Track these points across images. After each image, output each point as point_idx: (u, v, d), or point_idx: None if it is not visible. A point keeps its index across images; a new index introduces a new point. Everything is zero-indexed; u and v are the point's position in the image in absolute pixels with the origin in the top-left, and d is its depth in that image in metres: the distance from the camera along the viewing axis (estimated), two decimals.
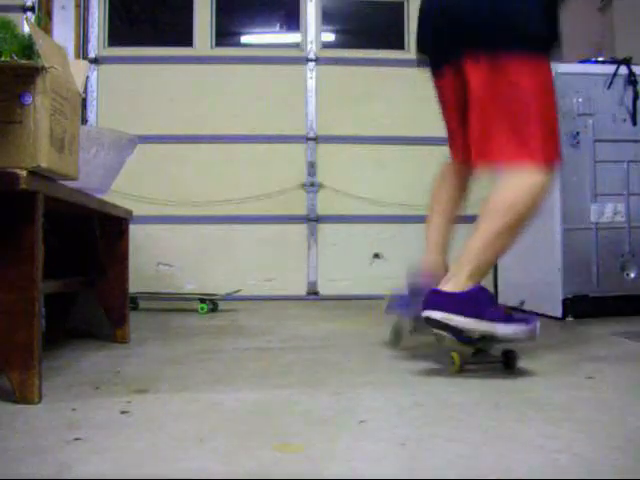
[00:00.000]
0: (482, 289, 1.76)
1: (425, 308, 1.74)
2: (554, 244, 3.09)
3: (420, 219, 4.46)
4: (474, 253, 1.74)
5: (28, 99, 1.40)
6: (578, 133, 3.11)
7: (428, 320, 1.74)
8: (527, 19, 1.79)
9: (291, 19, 4.80)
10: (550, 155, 1.80)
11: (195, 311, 3.44)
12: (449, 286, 1.75)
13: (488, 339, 1.75)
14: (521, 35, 1.79)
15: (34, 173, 1.40)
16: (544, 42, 1.83)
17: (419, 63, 2.13)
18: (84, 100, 4.28)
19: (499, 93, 1.79)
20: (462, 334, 1.72)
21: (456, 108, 2.01)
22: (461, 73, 1.88)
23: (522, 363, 1.89)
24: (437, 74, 2.07)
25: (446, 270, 1.98)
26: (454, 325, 1.71)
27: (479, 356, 1.83)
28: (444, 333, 1.75)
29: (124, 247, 2.36)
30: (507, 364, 1.78)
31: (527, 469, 1.02)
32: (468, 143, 1.91)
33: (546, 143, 1.79)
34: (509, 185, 1.77)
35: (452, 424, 1.27)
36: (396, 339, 2.18)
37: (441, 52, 1.98)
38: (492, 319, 1.70)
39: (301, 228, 4.51)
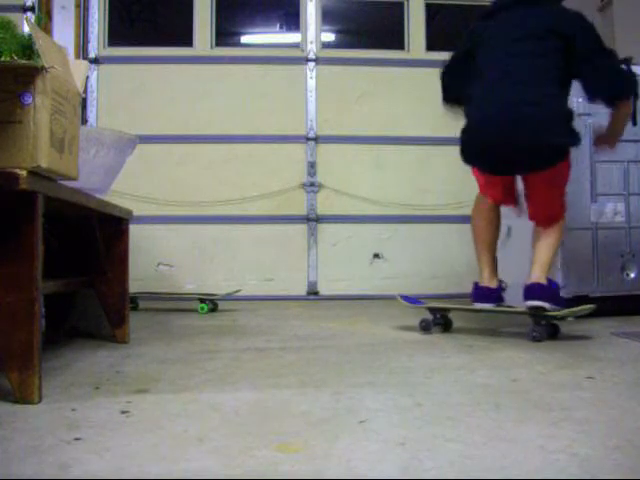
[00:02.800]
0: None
1: (530, 299, 2.42)
2: None
3: (420, 219, 4.54)
4: (546, 262, 2.51)
5: (28, 99, 1.40)
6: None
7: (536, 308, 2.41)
8: (575, 140, 2.52)
9: (291, 19, 4.80)
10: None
11: (195, 311, 3.44)
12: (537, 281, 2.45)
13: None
14: (570, 148, 2.54)
15: (34, 173, 1.40)
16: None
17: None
18: (84, 100, 4.28)
19: (556, 185, 2.56)
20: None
21: (504, 186, 2.65)
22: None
23: (522, 363, 1.89)
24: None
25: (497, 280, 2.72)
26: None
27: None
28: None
29: (124, 247, 2.36)
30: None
31: (527, 469, 1.02)
32: (505, 195, 2.67)
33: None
34: (556, 228, 2.57)
35: (452, 424, 1.27)
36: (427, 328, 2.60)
37: (505, 172, 2.60)
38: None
39: (301, 228, 4.51)
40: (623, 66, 2.53)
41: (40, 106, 1.41)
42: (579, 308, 2.48)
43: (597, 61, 2.44)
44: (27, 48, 1.49)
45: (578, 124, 3.09)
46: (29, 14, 4.14)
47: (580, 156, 3.12)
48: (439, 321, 2.61)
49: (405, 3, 4.68)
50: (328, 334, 2.61)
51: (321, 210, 4.52)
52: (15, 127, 1.40)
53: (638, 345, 2.27)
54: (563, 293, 3.04)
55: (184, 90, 4.50)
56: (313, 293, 4.46)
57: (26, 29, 1.56)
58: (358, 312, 3.49)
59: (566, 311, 2.47)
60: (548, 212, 2.58)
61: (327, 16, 4.77)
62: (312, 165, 4.52)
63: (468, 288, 2.74)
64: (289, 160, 4.52)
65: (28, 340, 1.41)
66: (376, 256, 4.55)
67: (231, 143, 4.50)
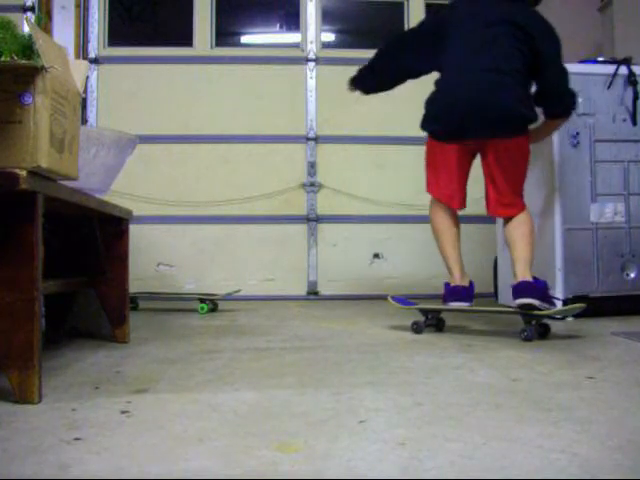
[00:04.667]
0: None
1: (520, 297, 2.39)
2: (554, 244, 3.09)
3: (420, 219, 4.52)
4: (528, 259, 2.51)
5: (28, 99, 1.40)
6: (578, 133, 3.11)
7: (526, 305, 2.38)
8: (535, 116, 2.60)
9: (291, 19, 4.80)
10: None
11: (195, 311, 3.44)
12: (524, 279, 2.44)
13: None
14: (531, 121, 2.58)
15: (34, 173, 1.40)
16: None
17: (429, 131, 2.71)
18: (84, 100, 4.28)
19: (518, 160, 2.58)
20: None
21: (459, 170, 2.65)
22: (480, 147, 2.60)
23: (522, 363, 1.89)
24: (449, 144, 2.62)
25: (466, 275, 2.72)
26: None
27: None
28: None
29: (124, 247, 2.36)
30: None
31: (527, 469, 1.02)
32: (462, 195, 2.70)
33: None
34: (525, 220, 2.58)
35: (452, 424, 1.27)
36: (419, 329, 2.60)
37: (470, 133, 2.55)
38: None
39: (301, 228, 4.51)
40: (569, 85, 2.64)
41: (40, 106, 1.41)
42: (570, 307, 2.50)
43: (549, 75, 2.58)
44: (27, 48, 1.49)
45: (578, 124, 3.12)
46: (29, 14, 4.14)
47: (580, 156, 3.12)
48: (431, 322, 2.60)
49: (405, 3, 4.68)
50: (328, 334, 2.62)
51: (321, 210, 4.52)
52: (15, 127, 1.40)
53: (638, 345, 2.27)
54: (564, 293, 3.06)
55: (184, 90, 4.50)
56: (313, 293, 4.46)
57: (26, 29, 1.56)
58: (358, 312, 3.49)
59: (556, 310, 2.46)
60: (509, 195, 2.58)
61: (327, 16, 4.77)
62: (312, 165, 4.52)
63: None
64: (289, 160, 4.52)
65: (28, 340, 1.41)
66: (376, 256, 4.55)
67: (231, 143, 4.50)
